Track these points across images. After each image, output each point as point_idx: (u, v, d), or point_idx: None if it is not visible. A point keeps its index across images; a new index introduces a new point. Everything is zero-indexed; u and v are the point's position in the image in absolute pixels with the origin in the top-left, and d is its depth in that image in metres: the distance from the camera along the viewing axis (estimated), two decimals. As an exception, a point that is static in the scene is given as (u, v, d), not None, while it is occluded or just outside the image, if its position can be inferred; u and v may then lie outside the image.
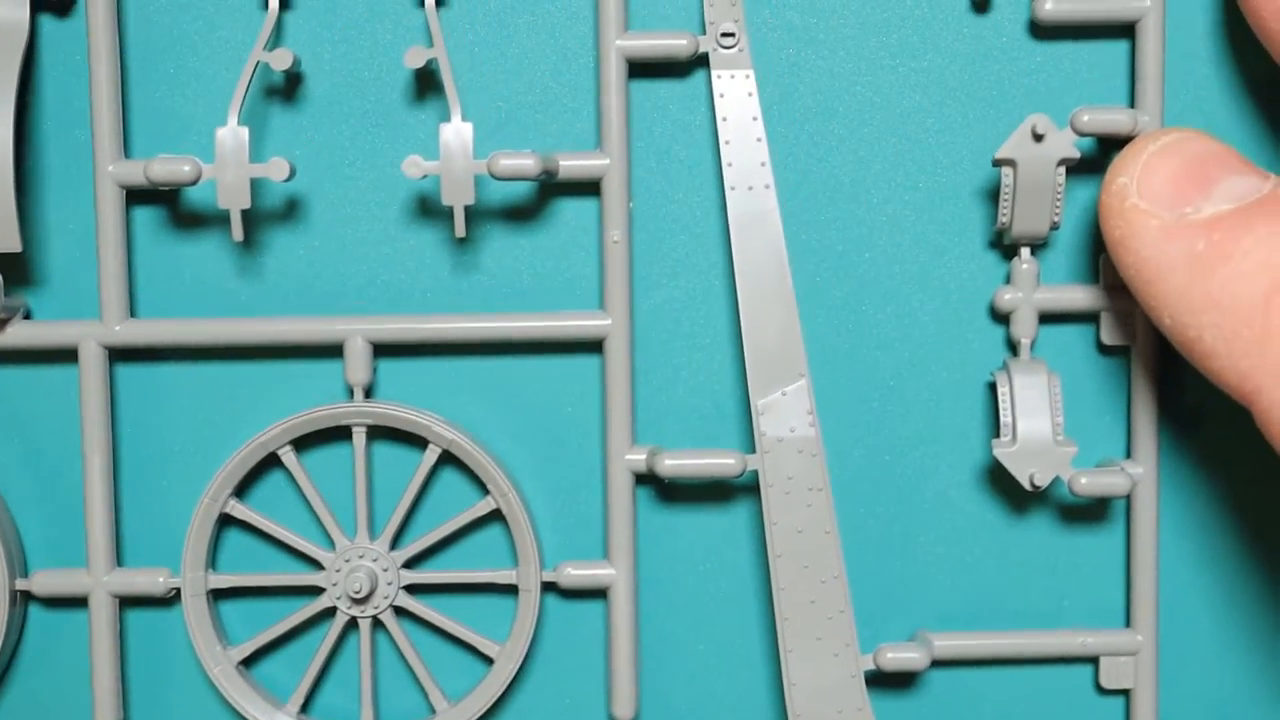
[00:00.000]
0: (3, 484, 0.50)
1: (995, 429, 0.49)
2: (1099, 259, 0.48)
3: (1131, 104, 0.47)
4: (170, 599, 0.49)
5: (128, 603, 0.50)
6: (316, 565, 0.49)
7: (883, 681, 0.50)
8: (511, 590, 0.50)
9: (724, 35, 0.47)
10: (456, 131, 0.46)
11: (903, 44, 0.48)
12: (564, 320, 0.48)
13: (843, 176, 0.48)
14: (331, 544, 0.49)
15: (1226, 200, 0.42)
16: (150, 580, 0.49)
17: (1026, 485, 0.47)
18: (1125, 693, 0.50)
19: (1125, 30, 0.47)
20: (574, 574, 0.49)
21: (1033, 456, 0.47)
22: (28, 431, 0.50)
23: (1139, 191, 0.43)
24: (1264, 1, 0.44)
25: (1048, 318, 0.48)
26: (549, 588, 0.50)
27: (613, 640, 0.49)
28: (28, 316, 0.49)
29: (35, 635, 0.50)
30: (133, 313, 0.49)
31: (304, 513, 0.50)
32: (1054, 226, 0.47)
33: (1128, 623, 0.49)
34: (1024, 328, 0.48)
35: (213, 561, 0.50)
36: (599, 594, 0.50)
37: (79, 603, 0.49)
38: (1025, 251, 0.48)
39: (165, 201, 0.49)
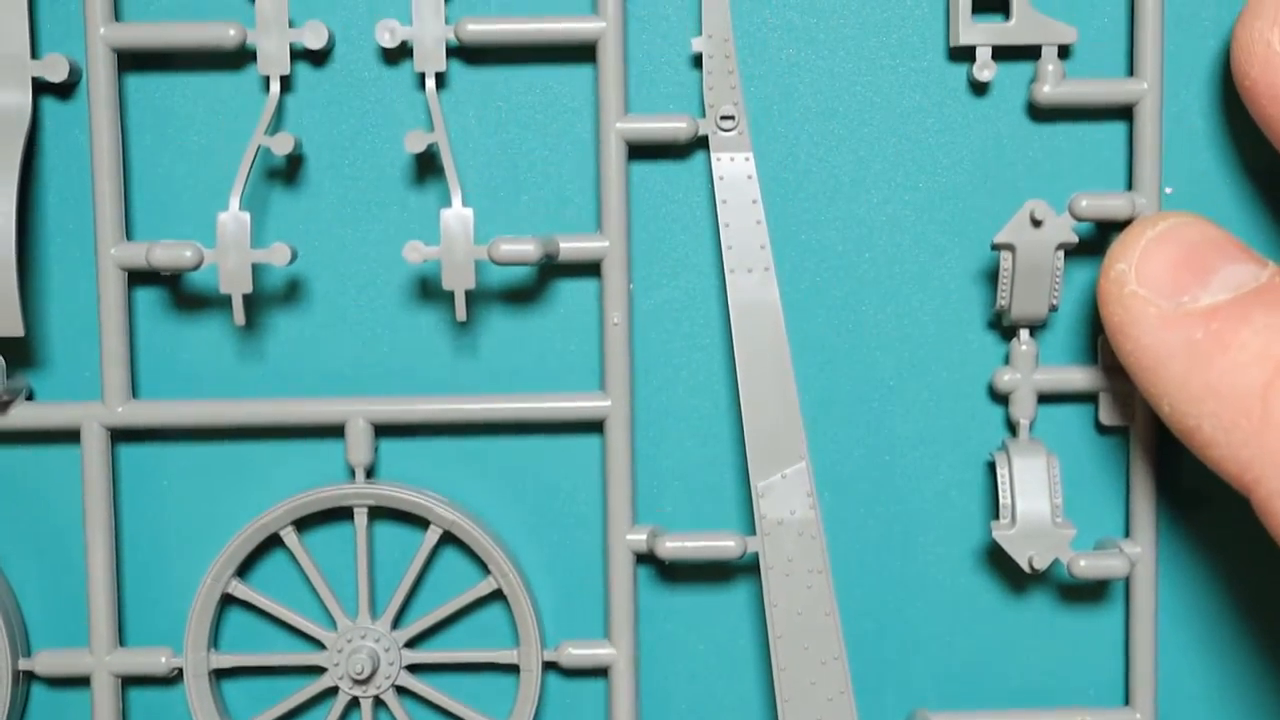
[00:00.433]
0: (5, 563, 0.50)
1: (994, 509, 0.49)
2: (1097, 340, 0.48)
3: (1130, 185, 0.48)
4: (173, 679, 0.49)
5: (130, 682, 0.50)
6: (319, 645, 0.50)
7: (883, 759, 0.50)
8: (513, 670, 0.50)
9: (724, 118, 0.47)
10: (457, 217, 0.46)
11: (902, 126, 0.48)
12: (564, 401, 0.48)
13: (842, 258, 0.49)
14: (333, 624, 0.49)
15: (1224, 289, 0.42)
16: (152, 660, 0.49)
17: (1026, 568, 0.47)
18: (1124, 770, 0.50)
19: (1123, 112, 0.48)
20: (575, 653, 0.49)
21: (1032, 539, 0.47)
22: (30, 511, 0.50)
23: (1137, 278, 0.43)
24: (1263, 88, 0.44)
25: (1046, 398, 0.49)
26: (550, 667, 0.50)
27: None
28: (30, 397, 0.49)
29: (38, 715, 0.50)
30: (135, 393, 0.49)
31: (306, 592, 0.50)
32: (1053, 309, 0.47)
33: (1126, 701, 0.49)
34: (1023, 408, 0.48)
35: (215, 641, 0.50)
36: (600, 673, 0.50)
37: (81, 682, 0.49)
38: (1024, 333, 0.48)
39: (167, 283, 0.49)
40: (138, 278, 0.49)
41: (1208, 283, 0.42)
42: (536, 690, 0.49)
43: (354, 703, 0.50)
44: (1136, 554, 0.48)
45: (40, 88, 0.48)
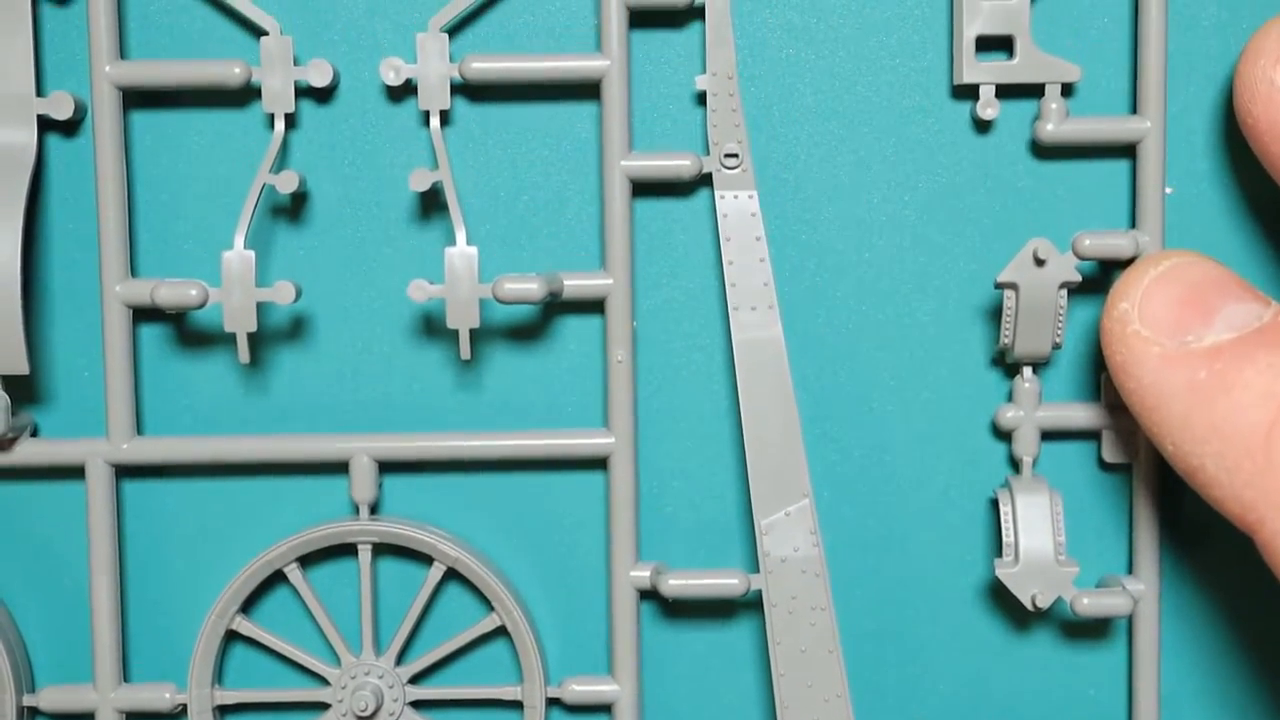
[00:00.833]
0: (11, 599, 0.50)
1: (997, 545, 0.49)
2: (1100, 377, 0.48)
3: (1133, 222, 0.48)
4: (177, 715, 0.50)
5: (134, 719, 0.50)
6: (323, 681, 0.50)
7: (886, 795, 0.50)
8: (516, 706, 0.50)
9: (728, 156, 0.47)
10: (462, 255, 0.46)
11: (906, 163, 0.48)
12: (568, 438, 0.48)
13: (846, 296, 0.49)
14: (337, 660, 0.50)
15: (1227, 328, 0.42)
16: (157, 696, 0.49)
17: (1029, 606, 0.47)
18: (1127, 806, 0.50)
19: (1126, 150, 0.48)
20: (578, 690, 0.49)
21: (1035, 577, 0.47)
22: (35, 547, 0.50)
23: (1140, 318, 0.43)
24: (1265, 126, 0.44)
25: (1050, 435, 0.49)
26: (553, 703, 0.50)
27: (617, 755, 0.49)
28: (35, 433, 0.49)
29: (42, 751, 0.51)
30: (139, 430, 0.49)
31: (310, 628, 0.50)
32: (1056, 347, 0.47)
33: (1130, 738, 0.50)
34: (1026, 446, 0.48)
35: (219, 677, 0.50)
36: (603, 710, 0.50)
37: (86, 719, 0.50)
38: (1027, 370, 0.48)
39: (172, 320, 0.49)
40: (142, 314, 0.49)
41: (1211, 322, 0.42)
42: (540, 726, 0.49)
43: (358, 738, 0.50)
44: (1139, 591, 0.48)
45: (45, 125, 0.48)
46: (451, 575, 0.50)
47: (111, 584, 0.49)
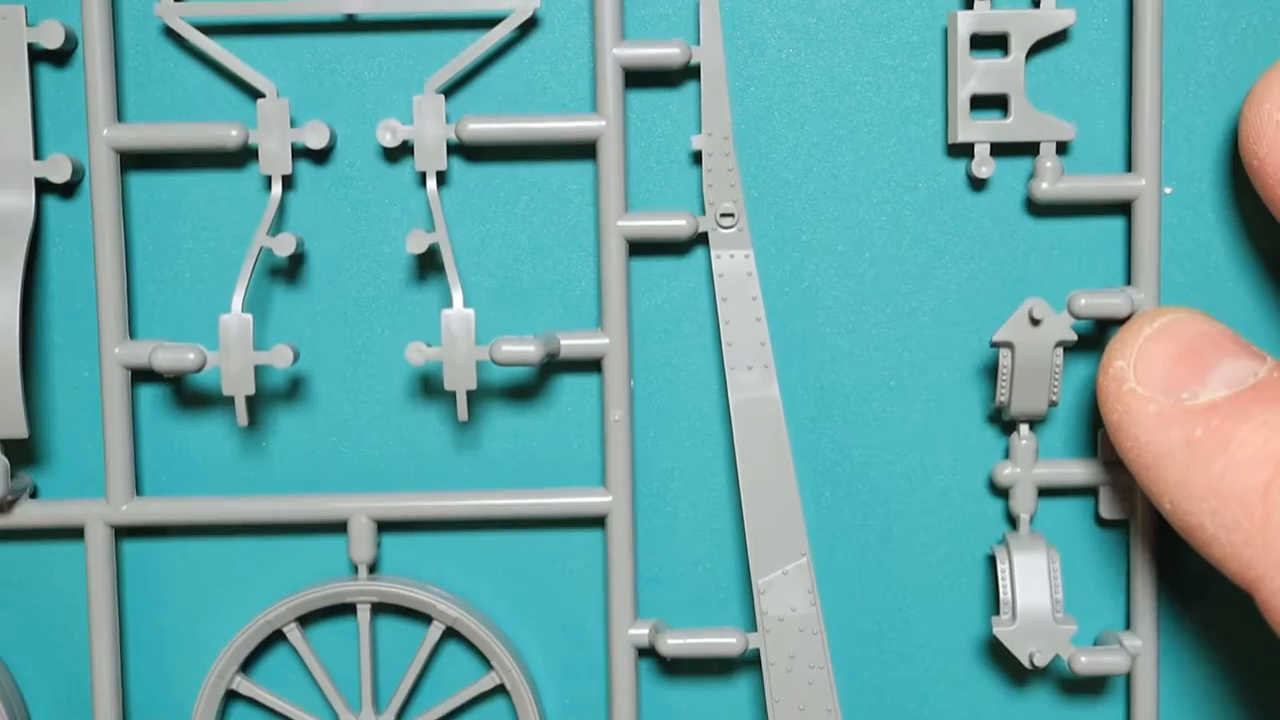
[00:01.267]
0: (11, 660, 0.50)
1: (995, 602, 0.49)
2: (1097, 433, 0.48)
3: (1128, 279, 0.48)
4: (177, 775, 0.50)
5: (135, 778, 0.50)
6: (322, 739, 0.50)
7: None
8: (516, 764, 0.50)
9: (723, 215, 0.48)
10: (459, 318, 0.46)
11: (902, 221, 0.48)
12: (566, 497, 0.49)
13: (843, 354, 0.49)
14: (337, 718, 0.50)
15: (1223, 386, 0.42)
16: (157, 756, 0.49)
17: (1026, 664, 0.47)
18: None
19: (1121, 208, 0.48)
20: (577, 748, 0.49)
21: (1032, 635, 0.47)
22: (35, 608, 0.50)
23: (1136, 376, 0.43)
24: (1271, 168, 0.44)
25: (1047, 491, 0.49)
26: (553, 761, 0.50)
27: (616, 813, 0.49)
28: (34, 495, 0.49)
29: (43, 811, 0.51)
30: (138, 490, 0.49)
31: (309, 687, 0.50)
32: (1052, 404, 0.47)
33: (1129, 793, 0.50)
34: (1023, 503, 0.48)
35: (219, 736, 0.50)
36: (602, 767, 0.50)
37: (87, 779, 0.50)
38: (1024, 427, 0.48)
39: (170, 381, 0.49)
40: (141, 375, 0.49)
41: (1206, 379, 0.42)
42: (539, 784, 0.49)
43: (358, 797, 0.50)
44: (1137, 648, 0.48)
45: (43, 187, 0.48)
46: (450, 633, 0.50)
47: (111, 644, 0.49)
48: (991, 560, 0.49)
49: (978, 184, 0.48)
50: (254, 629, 0.49)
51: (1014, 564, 0.47)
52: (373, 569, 0.49)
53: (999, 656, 0.49)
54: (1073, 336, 0.46)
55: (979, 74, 0.47)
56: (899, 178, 0.48)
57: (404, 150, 0.48)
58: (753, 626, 0.48)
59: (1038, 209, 0.48)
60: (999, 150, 0.48)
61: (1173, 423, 0.42)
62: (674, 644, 0.48)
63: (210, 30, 0.48)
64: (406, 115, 0.48)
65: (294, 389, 0.49)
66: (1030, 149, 0.48)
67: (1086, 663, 0.47)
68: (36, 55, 0.48)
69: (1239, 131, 0.45)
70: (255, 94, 0.47)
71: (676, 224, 0.47)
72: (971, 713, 0.50)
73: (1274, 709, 0.49)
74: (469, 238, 0.49)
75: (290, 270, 0.49)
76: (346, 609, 0.50)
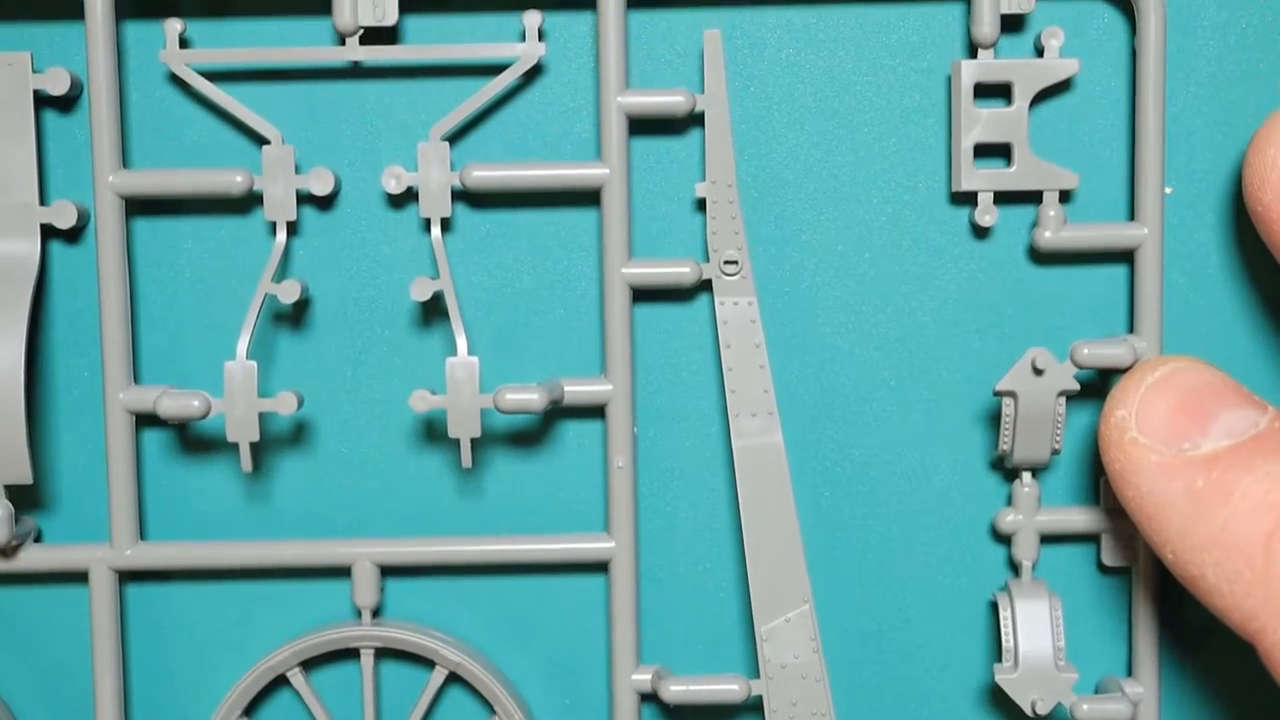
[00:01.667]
0: (14, 704, 0.50)
1: (997, 649, 0.49)
2: (1100, 480, 0.48)
3: (1131, 327, 0.48)
4: (180, 819, 0.50)
5: (138, 822, 0.50)
6: (325, 784, 0.50)
7: None
8: (518, 809, 0.50)
9: (727, 263, 0.48)
10: (463, 365, 0.46)
11: (905, 269, 0.48)
12: (569, 543, 0.49)
13: (846, 401, 0.49)
14: (339, 763, 0.50)
15: (1225, 436, 0.42)
16: (160, 801, 0.49)
17: (1029, 712, 0.47)
18: None
19: (1124, 256, 0.48)
20: (580, 793, 0.49)
21: (1034, 683, 0.47)
22: (39, 652, 0.50)
23: (1137, 425, 0.43)
24: (1275, 214, 0.44)
25: (1049, 538, 0.49)
26: (555, 806, 0.50)
27: None
28: (38, 539, 0.49)
29: None
30: (142, 535, 0.49)
31: (312, 732, 0.50)
32: (1055, 452, 0.47)
33: (1130, 839, 0.50)
34: (1025, 550, 0.48)
35: (222, 780, 0.50)
36: (605, 813, 0.50)
37: (89, 823, 0.50)
38: (1026, 475, 0.48)
39: (174, 426, 0.49)
40: (145, 420, 0.49)
41: (1208, 429, 0.42)
42: (542, 830, 0.49)
43: (360, 842, 0.50)
44: (1139, 694, 0.48)
45: (48, 233, 0.48)
46: (454, 678, 0.50)
47: (115, 689, 0.49)
48: (994, 606, 0.49)
49: (981, 232, 0.48)
50: (257, 674, 0.49)
51: (1016, 611, 0.48)
52: (376, 614, 0.49)
53: (1001, 704, 0.50)
54: (1075, 386, 0.46)
55: (982, 123, 0.47)
56: (903, 226, 0.48)
57: (409, 196, 0.48)
58: (755, 673, 0.48)
59: (1041, 257, 0.48)
60: (1002, 199, 0.48)
61: (1174, 473, 0.42)
62: (677, 690, 0.48)
63: (215, 77, 0.48)
64: (411, 162, 0.48)
65: (298, 434, 0.49)
66: (1033, 197, 0.48)
67: (1088, 711, 0.47)
68: (42, 101, 0.48)
69: (1243, 178, 0.45)
70: (260, 140, 0.48)
71: (680, 271, 0.48)
72: (974, 759, 0.50)
73: (1275, 756, 0.50)
74: (473, 284, 0.49)
75: (295, 316, 0.49)
76: (350, 654, 0.50)
